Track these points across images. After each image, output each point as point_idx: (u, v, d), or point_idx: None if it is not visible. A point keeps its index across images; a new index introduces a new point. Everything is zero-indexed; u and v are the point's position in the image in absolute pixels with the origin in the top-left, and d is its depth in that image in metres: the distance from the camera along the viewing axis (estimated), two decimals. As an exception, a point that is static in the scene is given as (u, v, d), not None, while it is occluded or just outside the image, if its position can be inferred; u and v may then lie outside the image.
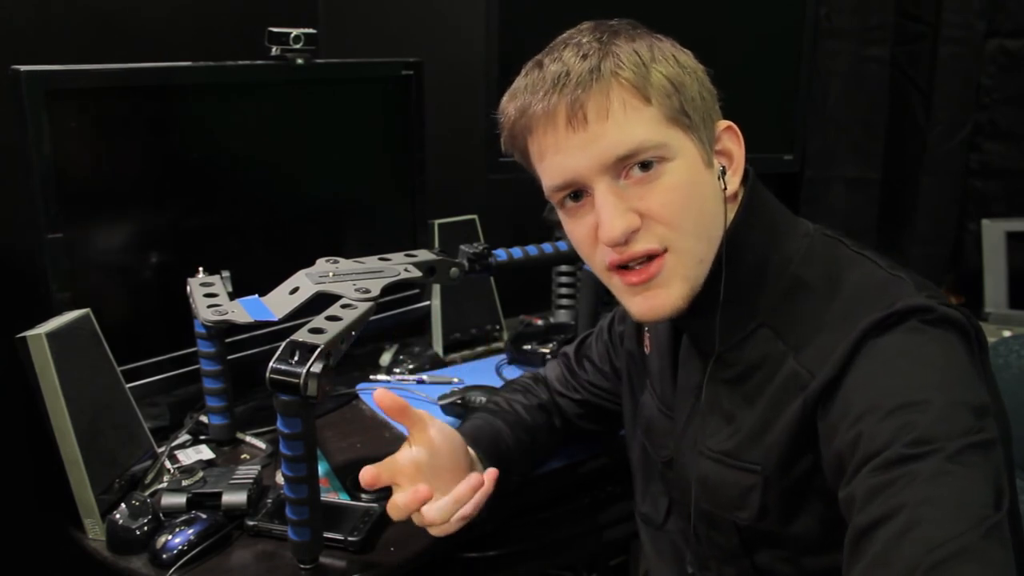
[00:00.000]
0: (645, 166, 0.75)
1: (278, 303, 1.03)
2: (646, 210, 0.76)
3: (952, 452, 0.61)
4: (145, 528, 0.96)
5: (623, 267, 0.78)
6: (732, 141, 0.82)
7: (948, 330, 0.70)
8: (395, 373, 1.48)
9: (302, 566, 0.93)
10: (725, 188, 0.80)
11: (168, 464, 1.13)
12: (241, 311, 1.04)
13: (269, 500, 1.03)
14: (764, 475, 0.77)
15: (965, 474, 0.60)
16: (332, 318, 0.92)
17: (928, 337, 0.70)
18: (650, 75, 0.75)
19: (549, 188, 0.80)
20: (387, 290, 1.03)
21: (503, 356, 1.55)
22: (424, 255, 1.13)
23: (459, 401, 1.30)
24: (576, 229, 0.81)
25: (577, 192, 0.79)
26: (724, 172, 0.80)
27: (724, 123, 0.82)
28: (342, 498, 1.08)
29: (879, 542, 0.59)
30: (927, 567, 0.56)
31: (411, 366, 1.50)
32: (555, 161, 0.78)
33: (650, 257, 0.77)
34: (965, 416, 0.63)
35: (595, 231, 0.77)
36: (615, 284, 0.80)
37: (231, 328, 1.07)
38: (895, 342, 0.70)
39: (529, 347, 1.52)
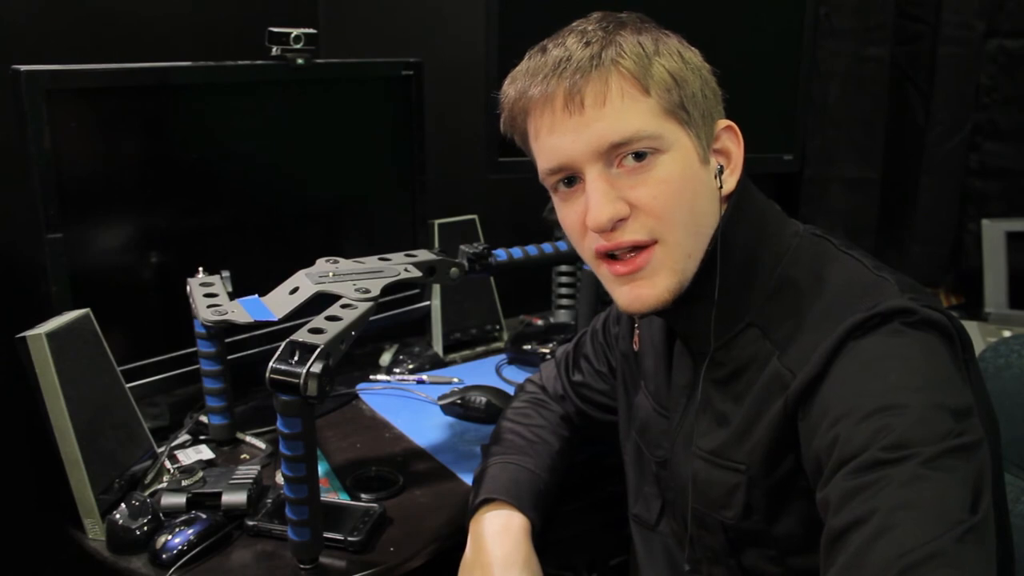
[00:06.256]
0: (639, 156, 0.75)
1: (278, 303, 1.03)
2: (636, 200, 0.76)
3: (929, 457, 0.60)
4: (145, 528, 0.96)
5: (611, 256, 0.78)
6: (731, 141, 0.82)
7: (930, 332, 0.70)
8: (395, 373, 1.48)
9: (302, 566, 0.93)
10: (721, 187, 0.80)
11: (168, 464, 1.13)
12: (241, 311, 1.04)
13: (269, 500, 1.03)
14: (748, 475, 0.77)
15: (941, 479, 0.60)
16: (332, 318, 0.92)
17: (909, 339, 0.69)
18: (651, 67, 0.76)
19: (543, 171, 0.81)
20: (387, 290, 1.03)
21: (503, 356, 1.55)
22: (424, 255, 1.13)
23: (459, 401, 1.30)
24: (567, 215, 0.81)
25: (570, 178, 0.79)
26: (721, 171, 0.80)
27: (724, 122, 0.82)
28: (342, 498, 1.08)
29: (852, 546, 0.59)
30: (898, 571, 0.55)
31: (411, 366, 1.50)
32: (549, 142, 0.78)
33: (638, 248, 0.77)
34: (944, 419, 0.63)
35: (585, 217, 0.77)
36: (603, 273, 0.81)
37: (231, 328, 1.07)
38: (876, 344, 0.69)
39: (529, 347, 1.52)
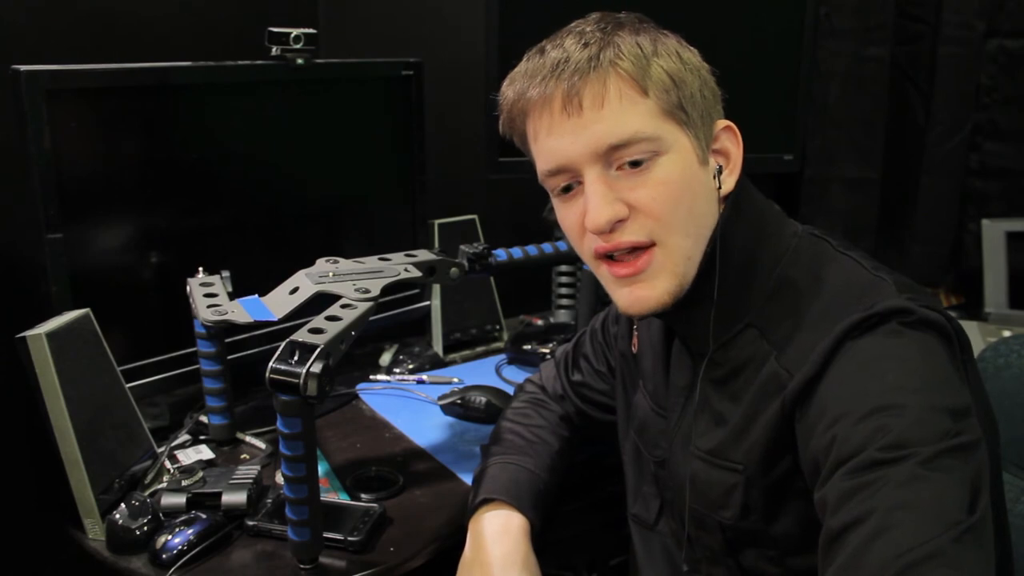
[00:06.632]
0: (636, 164, 0.76)
1: (278, 303, 1.03)
2: (635, 202, 0.76)
3: (926, 457, 0.60)
4: (145, 528, 0.96)
5: (611, 258, 0.79)
6: (730, 141, 0.82)
7: (927, 332, 0.70)
8: (395, 373, 1.48)
9: (302, 566, 0.93)
10: (720, 187, 0.80)
11: (168, 464, 1.13)
12: (241, 311, 1.04)
13: (269, 500, 1.03)
14: (746, 475, 0.77)
15: (939, 479, 0.60)
16: (332, 318, 0.92)
17: (907, 340, 0.69)
18: (650, 68, 0.76)
19: (542, 173, 0.81)
20: (387, 290, 1.03)
21: (503, 356, 1.55)
22: (424, 255, 1.13)
23: (459, 401, 1.30)
24: (567, 216, 0.81)
25: (568, 187, 0.80)
26: (720, 171, 0.80)
27: (723, 123, 0.82)
28: (342, 498, 1.08)
29: (850, 546, 0.59)
30: (896, 571, 0.55)
31: (411, 366, 1.50)
32: (547, 144, 0.78)
33: (637, 249, 0.77)
34: (942, 420, 0.63)
35: (584, 219, 0.78)
36: (603, 273, 0.81)
37: (231, 328, 1.07)
38: (873, 344, 0.69)
39: (529, 347, 1.52)
